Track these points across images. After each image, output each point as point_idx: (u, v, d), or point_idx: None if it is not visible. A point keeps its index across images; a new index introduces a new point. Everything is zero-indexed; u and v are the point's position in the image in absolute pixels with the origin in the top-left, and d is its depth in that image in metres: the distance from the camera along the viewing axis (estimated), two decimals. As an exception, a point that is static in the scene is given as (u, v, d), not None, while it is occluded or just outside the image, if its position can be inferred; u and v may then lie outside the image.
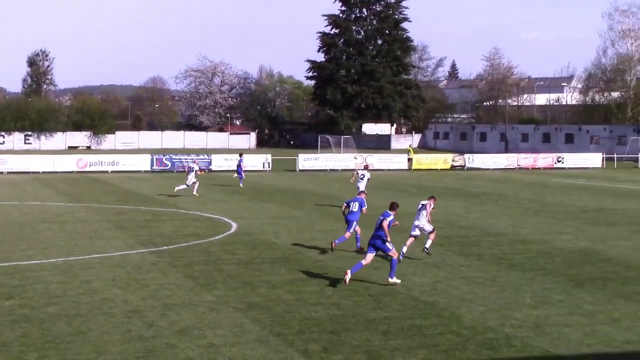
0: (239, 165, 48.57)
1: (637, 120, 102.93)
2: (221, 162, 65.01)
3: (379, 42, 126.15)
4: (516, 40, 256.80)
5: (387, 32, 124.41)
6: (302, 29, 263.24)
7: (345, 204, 23.71)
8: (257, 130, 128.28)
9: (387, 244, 18.83)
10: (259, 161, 66.29)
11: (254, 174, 59.96)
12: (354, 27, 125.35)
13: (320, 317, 15.96)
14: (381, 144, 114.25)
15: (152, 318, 15.64)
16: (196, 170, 41.56)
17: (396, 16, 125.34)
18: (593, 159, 79.03)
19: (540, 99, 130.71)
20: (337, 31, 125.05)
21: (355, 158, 69.55)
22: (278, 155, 76.91)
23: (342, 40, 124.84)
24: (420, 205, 22.80)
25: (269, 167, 65.56)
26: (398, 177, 59.64)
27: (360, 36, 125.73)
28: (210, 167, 63.10)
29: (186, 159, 62.20)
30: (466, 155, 74.81)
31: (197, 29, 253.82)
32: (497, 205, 38.20)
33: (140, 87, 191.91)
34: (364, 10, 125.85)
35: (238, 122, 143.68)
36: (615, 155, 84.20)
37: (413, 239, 22.27)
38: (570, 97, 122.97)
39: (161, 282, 19.09)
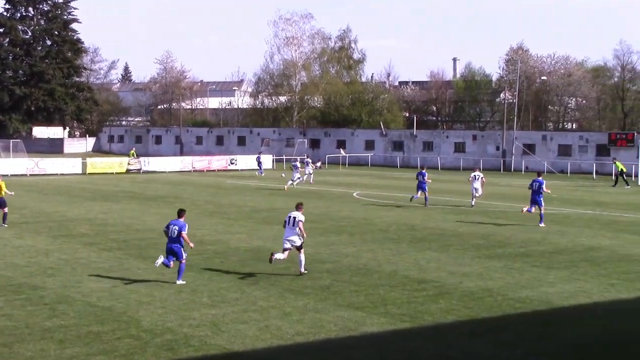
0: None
1: (303, 124, 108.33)
2: None
3: (48, 42, 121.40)
4: (188, 44, 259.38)
5: (56, 32, 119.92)
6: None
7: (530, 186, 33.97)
8: None
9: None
10: None
11: None
12: (20, 27, 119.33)
13: (-9, 330, 15.15)
14: (54, 147, 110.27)
15: None
16: (298, 167, 53.10)
17: (65, 17, 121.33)
18: (264, 161, 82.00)
19: (213, 103, 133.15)
20: (1, 30, 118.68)
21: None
22: (-61, 161, 71.48)
23: (7, 40, 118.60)
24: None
25: None
26: (72, 181, 57.91)
27: (28, 36, 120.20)
28: None
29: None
30: (142, 159, 74.41)
31: None
32: (174, 207, 38.27)
33: None
34: (30, 9, 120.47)
35: None
36: (284, 157, 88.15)
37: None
38: (241, 100, 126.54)
39: None
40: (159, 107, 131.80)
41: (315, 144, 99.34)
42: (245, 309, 17.18)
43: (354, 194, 47.76)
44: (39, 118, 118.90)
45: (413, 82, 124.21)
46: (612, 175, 63.15)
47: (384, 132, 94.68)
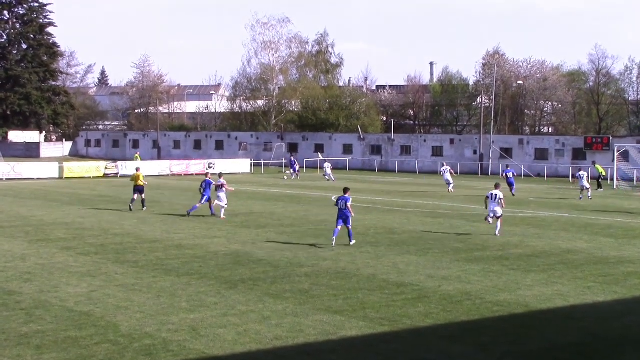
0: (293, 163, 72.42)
1: (280, 128, 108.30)
2: None
3: (24, 46, 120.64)
4: (165, 48, 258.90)
5: (32, 36, 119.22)
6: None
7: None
8: None
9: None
10: None
11: None
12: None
13: (-33, 336, 15.00)
14: (30, 152, 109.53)
15: None
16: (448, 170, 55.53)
17: (41, 20, 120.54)
18: (242, 165, 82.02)
19: (191, 107, 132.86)
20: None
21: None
22: None
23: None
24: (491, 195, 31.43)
25: None
26: (49, 185, 57.56)
27: (3, 40, 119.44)
28: None
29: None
30: (119, 163, 74.09)
31: None
32: (152, 212, 38.25)
33: None
34: (6, 13, 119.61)
35: None
36: (262, 161, 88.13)
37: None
38: (219, 104, 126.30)
39: None
40: (136, 111, 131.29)
41: (293, 148, 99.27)
42: (224, 313, 17.12)
43: (332, 198, 47.73)
44: (15, 122, 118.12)
45: (390, 86, 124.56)
46: (591, 178, 63.46)
47: (361, 136, 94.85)
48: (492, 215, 30.56)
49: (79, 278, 20.79)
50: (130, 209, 38.29)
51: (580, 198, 48.45)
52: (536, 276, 21.95)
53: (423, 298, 18.93)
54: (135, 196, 39.13)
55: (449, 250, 26.63)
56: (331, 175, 66.41)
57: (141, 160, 78.73)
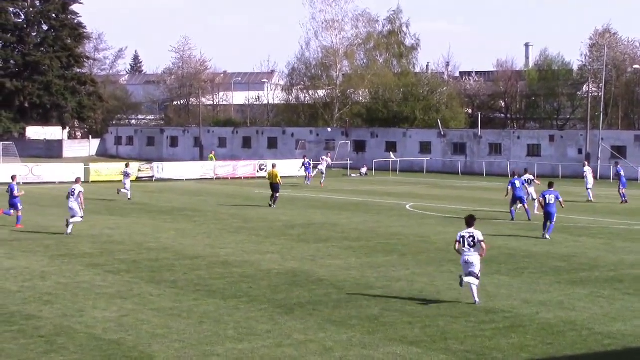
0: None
1: (345, 122, 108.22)
2: None
3: (44, 27, 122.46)
4: (208, 28, 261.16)
5: (53, 15, 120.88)
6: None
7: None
8: None
9: None
10: None
11: None
12: (11, 9, 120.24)
13: (-21, 367, 15.29)
14: (51, 151, 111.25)
15: None
16: None
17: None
18: (298, 166, 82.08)
19: (239, 98, 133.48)
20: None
21: None
22: None
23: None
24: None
25: None
26: (72, 191, 58.28)
27: (20, 20, 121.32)
28: None
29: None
30: (155, 164, 74.78)
31: None
32: (193, 222, 38.57)
33: None
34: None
35: None
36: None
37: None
38: (272, 95, 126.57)
39: None
40: (175, 103, 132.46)
41: (359, 146, 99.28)
42: (279, 343, 17.16)
43: (407, 206, 47.61)
44: (33, 116, 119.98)
45: (477, 73, 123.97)
46: None
47: (442, 133, 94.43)
48: None
49: (108, 300, 21.02)
50: (270, 206, 45.80)
51: None
52: (656, 302, 21.60)
53: (517, 327, 18.75)
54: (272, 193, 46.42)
55: (548, 270, 26.36)
56: (323, 172, 69.55)
57: (216, 160, 79.60)
